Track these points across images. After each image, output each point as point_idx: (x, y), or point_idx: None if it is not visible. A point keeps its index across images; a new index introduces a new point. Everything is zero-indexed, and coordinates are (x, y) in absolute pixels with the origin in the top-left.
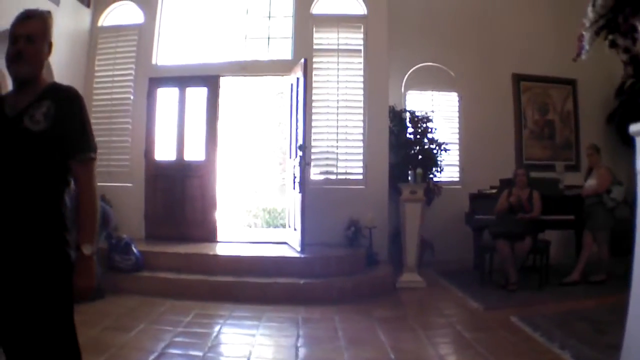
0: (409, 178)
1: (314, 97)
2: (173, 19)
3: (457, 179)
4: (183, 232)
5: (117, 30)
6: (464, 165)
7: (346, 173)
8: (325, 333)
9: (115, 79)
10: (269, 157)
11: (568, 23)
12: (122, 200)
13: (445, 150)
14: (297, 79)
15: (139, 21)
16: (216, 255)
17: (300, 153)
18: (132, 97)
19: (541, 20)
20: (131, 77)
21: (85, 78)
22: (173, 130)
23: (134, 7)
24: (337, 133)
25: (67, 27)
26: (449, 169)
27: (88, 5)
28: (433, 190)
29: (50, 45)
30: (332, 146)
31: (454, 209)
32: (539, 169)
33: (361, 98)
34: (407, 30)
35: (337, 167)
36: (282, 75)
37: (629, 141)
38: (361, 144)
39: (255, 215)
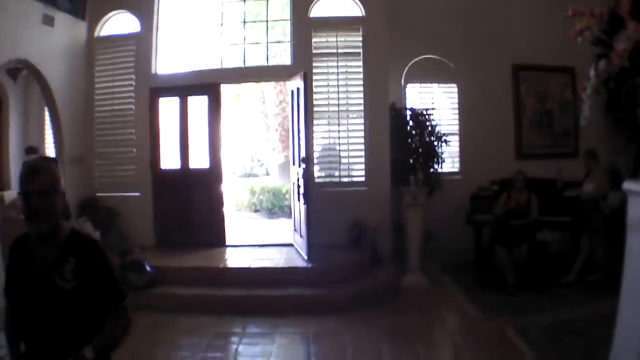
0: (410, 182)
1: (314, 102)
2: (170, 26)
3: (458, 170)
4: (192, 236)
5: (114, 40)
6: (464, 155)
7: (349, 175)
8: (334, 355)
9: (116, 90)
10: (271, 136)
11: (566, 10)
12: (131, 209)
13: (446, 142)
14: (298, 88)
15: (135, 30)
16: (226, 268)
17: (303, 165)
18: (133, 108)
19: (539, 9)
20: (132, 88)
21: (86, 90)
22: (176, 139)
23: (129, 16)
24: (339, 137)
25: (64, 43)
26: (449, 160)
27: (83, 18)
28: (434, 183)
29: (63, 194)
30: (335, 149)
31: (455, 199)
32: (538, 157)
33: (361, 101)
34: (406, 23)
35: (339, 169)
36: (283, 81)
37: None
38: (363, 146)
39: (259, 195)
